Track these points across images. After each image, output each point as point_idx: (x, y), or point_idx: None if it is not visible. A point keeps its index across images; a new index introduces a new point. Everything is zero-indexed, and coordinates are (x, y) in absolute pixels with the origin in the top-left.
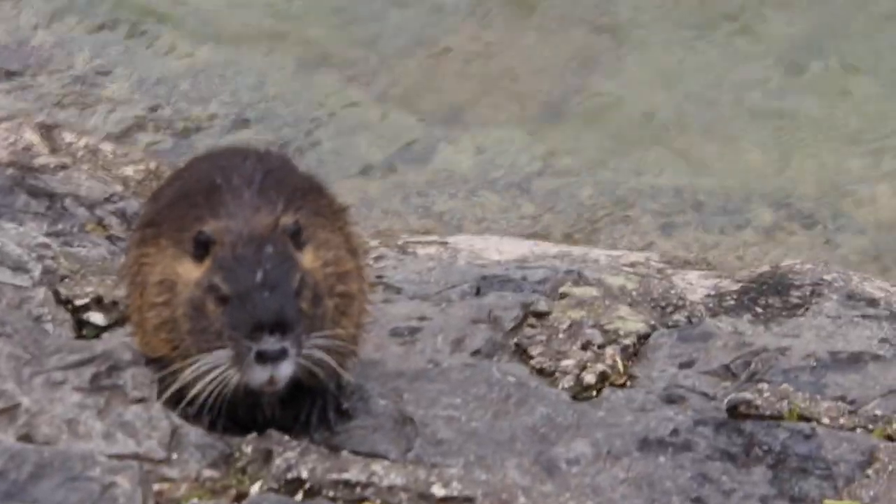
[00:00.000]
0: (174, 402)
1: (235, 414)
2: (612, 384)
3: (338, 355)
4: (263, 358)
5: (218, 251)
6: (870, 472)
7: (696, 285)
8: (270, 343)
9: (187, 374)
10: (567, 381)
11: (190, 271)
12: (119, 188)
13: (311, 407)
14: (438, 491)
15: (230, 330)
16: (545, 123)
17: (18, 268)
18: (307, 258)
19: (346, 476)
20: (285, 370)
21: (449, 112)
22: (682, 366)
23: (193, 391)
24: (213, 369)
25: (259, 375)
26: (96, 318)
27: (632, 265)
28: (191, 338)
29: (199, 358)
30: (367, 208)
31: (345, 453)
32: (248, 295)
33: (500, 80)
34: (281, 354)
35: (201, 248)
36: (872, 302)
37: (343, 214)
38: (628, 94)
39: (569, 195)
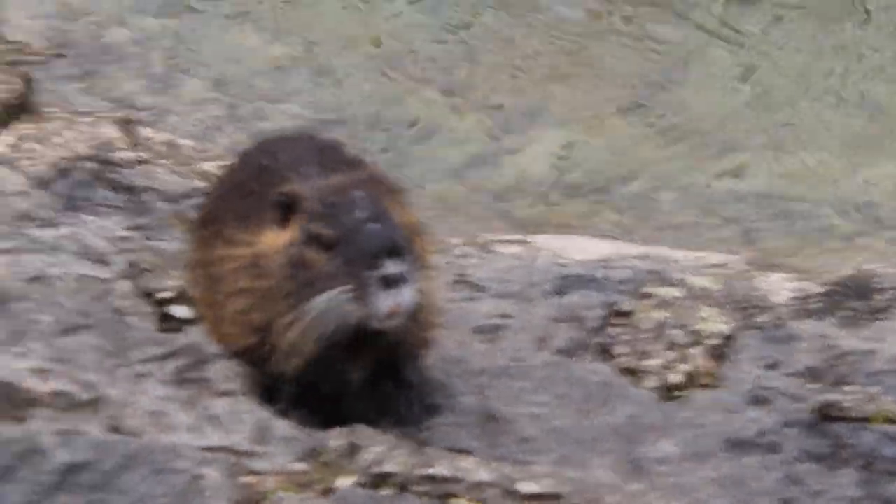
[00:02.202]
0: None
1: (322, 408)
2: (697, 385)
3: (422, 326)
4: (388, 282)
5: (306, 206)
6: None
7: (779, 288)
8: (392, 266)
9: (306, 317)
10: (652, 381)
11: (275, 239)
12: (199, 183)
13: (400, 400)
14: (526, 487)
15: (347, 267)
16: (628, 125)
17: (100, 261)
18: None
19: (433, 471)
20: (408, 296)
21: (528, 114)
22: (768, 367)
23: (314, 329)
24: (329, 308)
25: (384, 303)
26: (179, 311)
27: (714, 266)
28: (295, 297)
29: (310, 303)
30: (447, 213)
31: (431, 449)
32: (356, 229)
33: (580, 80)
34: (403, 278)
35: (285, 210)
36: None
37: (401, 194)
38: (712, 96)
39: (651, 200)
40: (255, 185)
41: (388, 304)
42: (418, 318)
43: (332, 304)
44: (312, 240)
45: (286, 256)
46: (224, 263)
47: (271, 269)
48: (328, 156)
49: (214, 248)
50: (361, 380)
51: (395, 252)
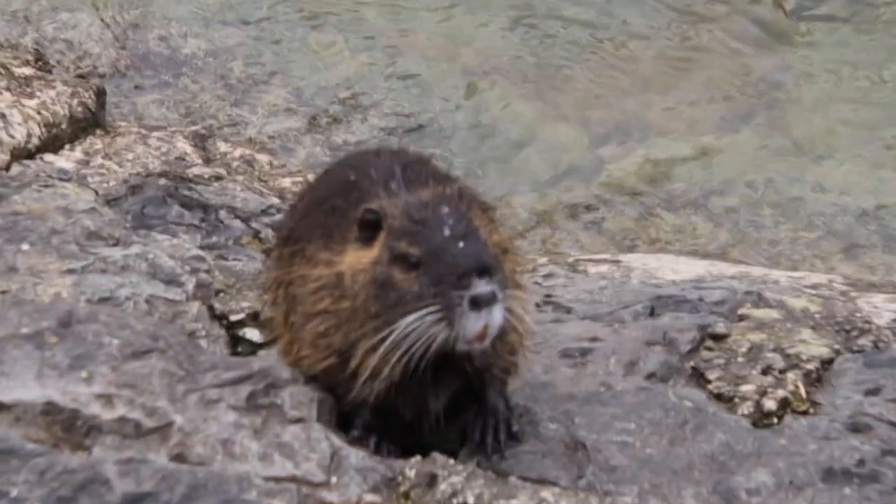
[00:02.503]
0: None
1: (397, 436)
2: (794, 411)
3: (509, 349)
4: (478, 303)
5: (390, 223)
6: None
7: (882, 309)
8: (482, 286)
9: (392, 339)
10: (747, 408)
11: (359, 258)
12: (276, 200)
13: (484, 427)
14: None
15: (434, 286)
16: (724, 136)
17: (172, 281)
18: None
19: (514, 503)
20: (497, 316)
21: (621, 124)
22: (868, 393)
23: (399, 352)
24: (416, 329)
25: (473, 324)
26: (252, 334)
27: (814, 287)
28: (380, 319)
29: (396, 325)
30: (534, 225)
31: (513, 479)
32: (443, 248)
33: (676, 89)
34: (493, 298)
35: (369, 229)
36: None
37: (491, 212)
38: (814, 106)
39: (748, 214)
40: (339, 202)
41: (478, 325)
42: (505, 341)
43: (418, 325)
44: (398, 258)
45: (370, 276)
46: (304, 283)
47: (354, 290)
48: (415, 171)
49: (295, 267)
50: (442, 406)
51: (484, 271)
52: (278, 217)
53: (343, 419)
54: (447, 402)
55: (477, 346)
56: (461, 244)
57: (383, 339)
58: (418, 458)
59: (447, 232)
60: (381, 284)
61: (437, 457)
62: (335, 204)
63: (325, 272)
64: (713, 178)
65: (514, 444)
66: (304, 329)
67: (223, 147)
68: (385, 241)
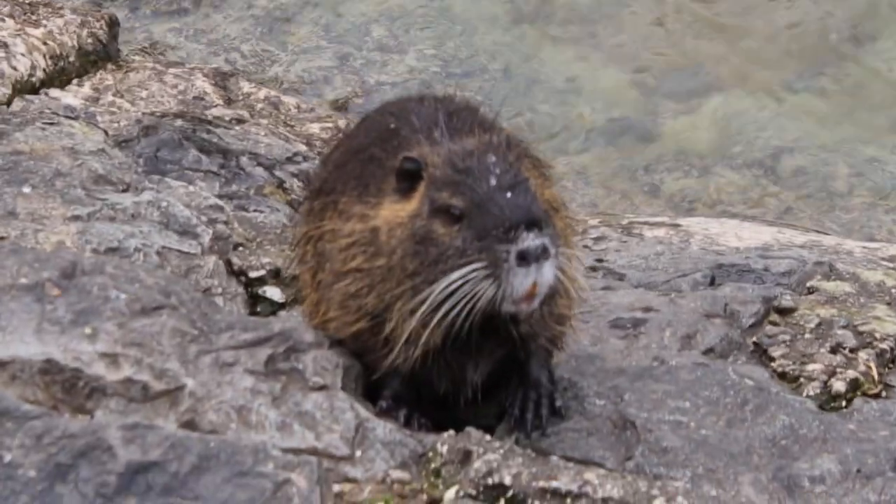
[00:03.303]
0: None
1: (430, 409)
2: (864, 393)
3: (557, 317)
4: (527, 257)
5: (432, 173)
6: None
7: None
8: (531, 239)
9: (432, 299)
10: (813, 388)
11: (396, 211)
12: (302, 147)
13: (525, 401)
14: None
15: (478, 241)
16: (797, 93)
17: (186, 232)
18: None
19: (555, 484)
20: (548, 273)
21: (683, 74)
22: None
23: (439, 314)
24: (461, 286)
25: (522, 281)
26: (273, 292)
27: (891, 259)
28: (419, 277)
29: (438, 284)
30: (585, 184)
31: (554, 458)
32: (489, 199)
33: (746, 38)
34: (544, 252)
35: (408, 179)
36: None
37: (544, 167)
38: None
39: (821, 177)
40: (377, 151)
41: (527, 282)
42: (553, 307)
43: (462, 283)
44: (439, 211)
45: (409, 230)
46: (335, 238)
47: (391, 246)
48: (461, 119)
49: (326, 221)
50: (480, 378)
51: (533, 223)
52: (304, 165)
53: (370, 388)
54: (486, 375)
55: (525, 307)
56: (508, 195)
57: (422, 301)
58: (451, 432)
59: (493, 182)
60: (420, 239)
61: (472, 432)
62: (373, 153)
63: (358, 227)
64: (783, 136)
65: (557, 420)
66: (333, 289)
67: (246, 87)
68: (425, 193)
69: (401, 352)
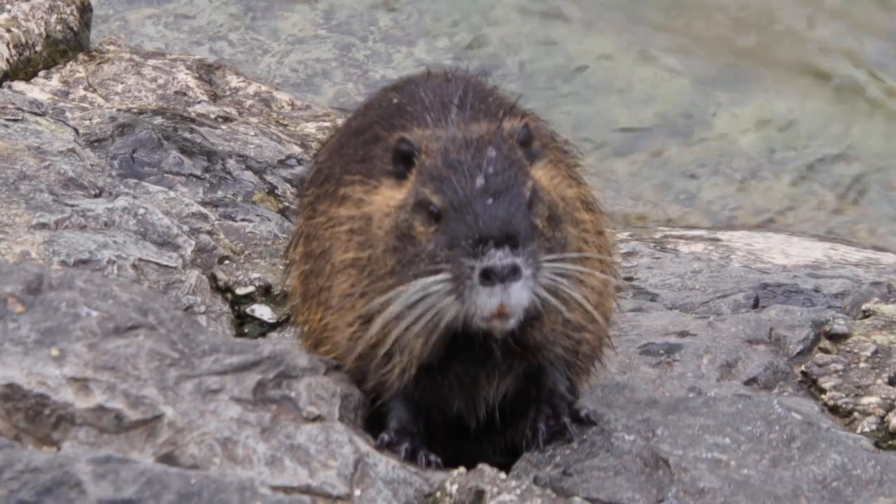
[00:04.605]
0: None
1: (437, 437)
2: None
3: (573, 325)
4: (490, 276)
5: (424, 161)
6: None
7: None
8: (499, 257)
9: (387, 314)
10: (868, 424)
11: (388, 197)
12: (297, 149)
13: (537, 412)
14: None
15: (448, 249)
16: (853, 95)
17: (166, 243)
18: (540, 175)
19: None
20: (518, 296)
21: (727, 73)
22: None
23: (396, 332)
24: (422, 299)
25: (485, 302)
26: (263, 311)
27: None
28: (396, 275)
29: (403, 288)
30: (614, 190)
31: (577, 500)
32: (466, 204)
33: (800, 34)
34: (512, 273)
35: (402, 162)
36: None
37: (570, 159)
38: None
39: (879, 186)
40: (381, 130)
41: (492, 303)
42: (563, 319)
43: (424, 295)
44: (421, 206)
45: (393, 222)
46: (332, 226)
47: (378, 237)
48: (477, 98)
49: (319, 212)
50: (497, 397)
51: (506, 239)
52: (299, 169)
53: (374, 420)
54: (505, 395)
55: (498, 325)
56: (490, 201)
57: (390, 302)
58: (462, 470)
59: (479, 183)
60: (401, 235)
61: (486, 469)
62: (377, 133)
63: (353, 212)
64: (839, 139)
65: (586, 428)
66: (331, 291)
67: (234, 81)
68: (414, 182)
69: (397, 365)
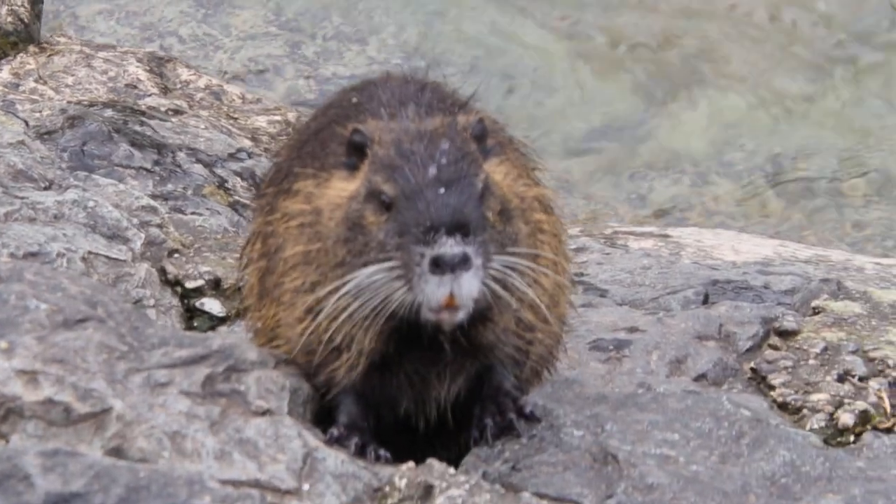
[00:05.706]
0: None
1: (387, 435)
2: (875, 427)
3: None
4: (440, 265)
5: (377, 151)
6: None
7: None
8: (450, 245)
9: (335, 303)
10: (817, 421)
11: (339, 189)
12: (247, 142)
13: (483, 408)
14: None
15: (399, 237)
16: (806, 90)
17: (115, 236)
18: (493, 170)
19: None
20: (469, 286)
21: (678, 74)
22: None
23: (342, 319)
24: (370, 286)
25: (434, 291)
26: (212, 305)
27: None
28: (345, 266)
29: (356, 275)
30: (566, 192)
31: (526, 495)
32: (419, 191)
33: (748, 31)
34: (462, 262)
35: (355, 153)
36: None
37: (528, 159)
38: None
39: (830, 189)
40: (338, 128)
41: (441, 292)
42: (519, 315)
43: (373, 280)
44: (372, 196)
45: (344, 213)
46: (285, 222)
47: (329, 229)
48: (434, 96)
49: (276, 210)
50: (449, 396)
51: (457, 227)
52: (249, 163)
53: (323, 415)
54: (456, 396)
55: (446, 317)
56: (442, 190)
57: (337, 291)
58: (411, 464)
59: (432, 172)
60: (351, 225)
61: (435, 464)
62: (334, 130)
63: (304, 207)
64: (789, 141)
65: (533, 424)
66: (283, 286)
67: (185, 74)
68: (366, 173)
69: (345, 360)
